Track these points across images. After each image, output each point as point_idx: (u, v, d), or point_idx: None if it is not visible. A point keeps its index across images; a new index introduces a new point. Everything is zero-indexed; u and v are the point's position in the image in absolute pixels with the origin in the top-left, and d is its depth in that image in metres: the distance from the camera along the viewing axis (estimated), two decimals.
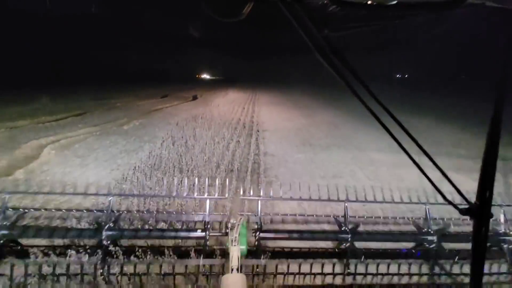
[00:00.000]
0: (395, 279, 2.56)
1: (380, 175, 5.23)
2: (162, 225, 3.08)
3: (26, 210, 2.79)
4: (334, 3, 1.24)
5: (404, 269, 2.59)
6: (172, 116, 10.32)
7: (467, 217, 1.19)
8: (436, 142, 7.97)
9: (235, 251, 1.96)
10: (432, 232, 2.80)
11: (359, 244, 2.73)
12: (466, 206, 1.16)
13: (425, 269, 2.67)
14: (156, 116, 10.47)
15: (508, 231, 2.87)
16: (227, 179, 3.62)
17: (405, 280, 2.57)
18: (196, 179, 3.42)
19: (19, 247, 2.58)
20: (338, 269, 2.57)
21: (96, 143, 6.39)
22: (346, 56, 1.10)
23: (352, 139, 8.09)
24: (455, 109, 16.97)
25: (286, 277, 2.45)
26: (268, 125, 9.39)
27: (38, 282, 2.28)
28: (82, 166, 4.96)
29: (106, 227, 2.55)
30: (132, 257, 2.52)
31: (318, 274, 2.47)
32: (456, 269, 2.64)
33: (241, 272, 1.87)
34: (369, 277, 2.54)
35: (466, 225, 3.22)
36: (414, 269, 2.62)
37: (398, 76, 63.11)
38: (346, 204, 2.92)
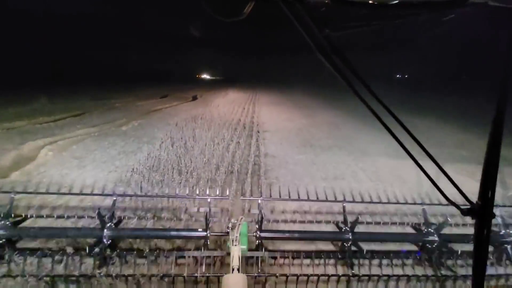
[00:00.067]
0: (396, 280, 2.55)
1: (382, 176, 5.14)
2: (162, 224, 3.10)
3: (13, 196, 2.76)
4: (335, 2, 1.26)
5: (405, 269, 2.61)
6: (172, 116, 10.23)
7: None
8: (438, 142, 7.88)
9: (236, 251, 1.99)
10: (433, 232, 2.82)
11: (360, 245, 2.74)
12: (468, 207, 1.18)
13: (426, 269, 2.67)
14: (156, 116, 10.38)
15: (509, 231, 2.86)
16: (228, 181, 3.56)
17: (406, 280, 2.56)
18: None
19: (19, 247, 2.61)
20: (338, 269, 2.59)
21: (94, 144, 6.31)
22: (347, 55, 1.11)
23: (353, 139, 7.99)
24: (456, 109, 16.89)
25: (286, 277, 2.44)
26: (269, 126, 9.30)
27: (38, 282, 2.28)
28: (79, 167, 4.87)
29: (107, 226, 2.59)
30: (132, 257, 2.53)
31: (319, 274, 2.46)
32: (457, 270, 2.65)
33: (241, 272, 1.88)
34: (370, 277, 2.53)
35: (468, 225, 3.20)
36: (415, 269, 2.64)
37: (398, 76, 63.04)
38: (344, 205, 3.00)
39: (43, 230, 2.65)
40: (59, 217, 2.93)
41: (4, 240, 2.53)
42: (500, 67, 1.07)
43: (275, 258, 2.64)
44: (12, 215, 2.67)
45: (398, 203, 3.14)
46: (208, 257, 2.53)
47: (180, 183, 4.29)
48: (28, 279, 2.26)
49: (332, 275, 2.49)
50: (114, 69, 38.02)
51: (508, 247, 2.81)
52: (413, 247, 2.99)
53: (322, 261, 2.68)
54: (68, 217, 2.93)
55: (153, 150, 5.87)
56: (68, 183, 4.10)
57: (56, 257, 2.48)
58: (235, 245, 2.05)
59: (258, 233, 2.67)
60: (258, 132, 8.12)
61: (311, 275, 2.45)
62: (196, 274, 2.39)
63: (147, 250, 2.62)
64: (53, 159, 5.20)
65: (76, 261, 2.47)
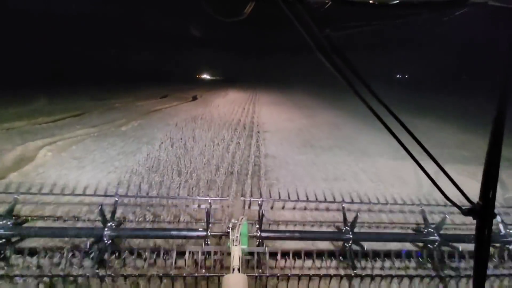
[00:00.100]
0: (397, 279, 2.55)
1: (383, 177, 5.11)
2: (163, 224, 3.11)
3: (17, 196, 2.80)
4: (336, 2, 1.27)
5: (405, 269, 2.62)
6: (172, 117, 10.20)
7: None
8: (439, 143, 7.85)
9: (236, 251, 1.99)
10: (433, 232, 2.82)
11: (360, 245, 2.75)
12: (469, 207, 1.18)
13: (427, 269, 2.67)
14: (155, 117, 10.35)
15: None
16: (228, 182, 3.55)
17: (407, 280, 2.55)
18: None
19: (20, 247, 2.60)
20: (339, 269, 2.60)
21: (93, 144, 6.28)
22: (347, 55, 1.11)
23: (353, 140, 7.96)
24: (456, 109, 16.85)
25: (287, 277, 2.45)
26: (269, 126, 9.27)
27: (38, 282, 2.28)
28: (78, 168, 4.84)
29: (107, 226, 2.59)
30: (132, 257, 2.54)
31: (320, 274, 2.46)
32: (458, 270, 2.62)
33: (242, 272, 1.88)
34: (371, 277, 2.52)
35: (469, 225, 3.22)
36: (416, 269, 2.64)
37: (398, 76, 62.99)
38: (343, 205, 2.99)
39: (44, 229, 2.66)
40: (59, 217, 2.95)
41: (4, 239, 2.53)
42: (501, 67, 1.06)
43: (275, 257, 2.60)
44: (13, 215, 2.69)
45: (398, 203, 3.14)
46: (208, 257, 2.51)
47: (180, 184, 4.26)
48: (28, 278, 2.26)
49: (334, 275, 2.47)
50: (114, 69, 37.98)
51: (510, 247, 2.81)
52: (414, 247, 2.99)
53: (323, 261, 2.69)
54: (69, 218, 2.96)
55: (153, 150, 5.84)
56: (67, 184, 4.05)
57: (56, 257, 2.49)
58: (236, 245, 2.04)
59: (259, 233, 2.66)
60: (258, 132, 8.09)
61: (313, 275, 2.43)
62: (196, 274, 2.38)
63: (147, 250, 2.60)
64: (52, 160, 5.17)
65: (76, 261, 2.47)
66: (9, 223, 2.59)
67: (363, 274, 2.51)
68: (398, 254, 2.78)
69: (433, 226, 2.89)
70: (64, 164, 4.98)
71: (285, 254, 2.60)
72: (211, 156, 5.53)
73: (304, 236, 2.88)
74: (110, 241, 2.57)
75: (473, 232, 1.24)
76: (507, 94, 1.09)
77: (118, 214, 3.15)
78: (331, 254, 2.75)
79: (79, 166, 4.93)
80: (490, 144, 1.12)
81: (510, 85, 1.11)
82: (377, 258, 2.74)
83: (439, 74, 45.88)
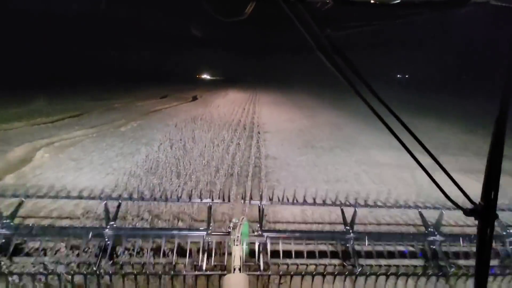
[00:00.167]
0: (398, 279, 2.51)
1: (386, 179, 5.03)
2: (163, 224, 3.12)
3: (23, 199, 2.84)
4: (336, 2, 1.26)
5: (407, 269, 2.59)
6: (171, 117, 10.12)
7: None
8: (441, 144, 7.77)
9: (237, 251, 1.98)
10: (435, 232, 2.82)
11: (361, 245, 2.75)
12: (471, 207, 1.18)
13: (428, 269, 2.65)
14: (155, 117, 10.28)
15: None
16: (228, 184, 3.52)
17: (408, 280, 2.53)
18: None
19: (20, 246, 2.62)
20: (341, 269, 2.60)
21: (92, 145, 6.20)
22: (348, 55, 1.11)
23: (355, 140, 7.88)
24: (457, 109, 16.76)
25: (288, 277, 2.42)
26: (269, 127, 9.19)
27: (39, 281, 2.29)
28: (76, 170, 4.77)
29: (108, 226, 2.61)
30: (133, 257, 2.56)
31: (321, 274, 2.42)
32: (460, 270, 2.59)
33: (243, 272, 1.87)
34: (371, 277, 2.50)
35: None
36: (417, 269, 2.62)
37: (398, 76, 62.91)
38: (342, 208, 2.98)
39: (45, 229, 2.66)
40: (60, 217, 3.00)
41: (6, 239, 2.54)
42: (503, 67, 1.05)
43: (276, 257, 2.61)
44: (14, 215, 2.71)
45: (398, 204, 3.10)
46: (209, 256, 2.51)
47: (179, 186, 4.19)
48: (29, 277, 2.27)
49: (338, 274, 2.43)
50: (114, 69, 37.94)
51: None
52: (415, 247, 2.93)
53: (323, 260, 2.68)
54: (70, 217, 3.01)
55: (152, 152, 5.76)
56: (64, 186, 3.98)
57: (57, 256, 2.53)
58: (237, 245, 2.03)
59: (260, 232, 2.65)
60: (259, 133, 8.02)
61: (316, 274, 2.40)
62: (197, 274, 2.37)
63: (148, 250, 2.61)
64: (49, 161, 5.10)
65: (77, 260, 2.49)
66: (11, 223, 2.61)
67: (367, 273, 2.49)
68: (399, 254, 2.78)
69: (433, 225, 2.90)
70: (61, 165, 4.91)
71: (287, 254, 2.58)
72: (211, 157, 5.45)
73: (305, 236, 2.85)
74: (111, 240, 2.58)
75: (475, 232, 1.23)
76: (509, 94, 1.08)
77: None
78: (332, 254, 2.75)
79: (77, 167, 4.85)
80: (492, 144, 1.11)
81: None
82: (378, 257, 2.73)
83: (439, 74, 45.80)
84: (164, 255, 2.58)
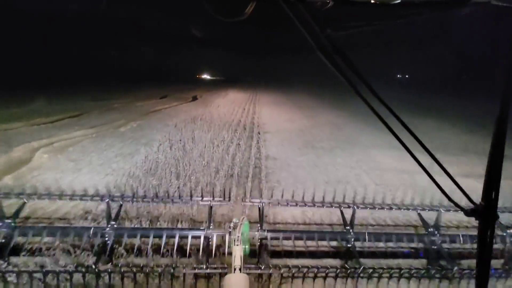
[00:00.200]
0: (399, 280, 2.52)
1: (387, 180, 5.00)
2: (164, 224, 3.12)
3: (25, 201, 2.83)
4: (337, 2, 1.25)
5: (407, 269, 2.53)
6: (171, 117, 10.09)
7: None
8: (442, 144, 7.72)
9: (238, 251, 1.97)
10: (436, 232, 2.81)
11: (362, 244, 2.75)
12: (472, 208, 1.16)
13: (429, 269, 2.60)
14: (155, 117, 10.25)
15: None
16: (228, 185, 3.52)
17: (408, 281, 2.53)
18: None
19: (21, 246, 2.62)
20: (341, 269, 2.52)
21: (91, 146, 6.17)
22: (348, 55, 1.10)
23: (355, 141, 7.85)
24: (459, 110, 16.72)
25: (288, 277, 2.42)
26: (269, 127, 9.16)
27: (39, 281, 2.28)
28: (74, 171, 4.73)
29: (109, 225, 2.61)
30: (133, 256, 2.57)
31: (321, 274, 2.44)
32: (460, 270, 2.57)
33: (243, 272, 1.87)
34: (373, 277, 2.50)
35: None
36: (418, 269, 2.56)
37: (398, 76, 62.86)
38: (341, 209, 2.94)
39: (47, 228, 2.65)
40: (61, 218, 3.03)
41: (8, 238, 2.54)
42: (503, 67, 1.04)
43: (276, 257, 2.62)
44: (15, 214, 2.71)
45: (401, 208, 3.06)
46: (210, 256, 2.51)
47: (178, 187, 4.15)
48: (30, 275, 2.26)
49: (332, 274, 2.43)
50: (114, 69, 37.92)
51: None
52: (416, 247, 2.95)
53: (323, 260, 2.67)
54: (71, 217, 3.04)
55: (151, 152, 5.73)
56: (62, 188, 3.95)
57: (58, 255, 2.53)
58: (237, 245, 2.02)
59: (260, 232, 2.64)
60: (259, 133, 7.98)
61: (317, 272, 2.40)
62: (197, 274, 2.37)
63: (148, 249, 2.60)
64: (48, 162, 5.07)
65: (78, 259, 2.50)
66: (12, 223, 2.61)
67: (368, 273, 2.48)
68: (400, 254, 2.78)
69: (434, 226, 2.89)
70: (60, 166, 4.88)
71: (287, 254, 2.59)
72: (211, 158, 5.41)
73: (305, 236, 2.84)
74: (112, 239, 2.58)
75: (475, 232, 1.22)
76: (509, 94, 1.07)
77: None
78: (333, 254, 2.74)
79: (76, 168, 4.82)
80: (492, 144, 1.10)
81: None
82: (379, 257, 2.73)
83: (439, 74, 45.75)
84: (164, 255, 2.58)
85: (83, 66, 36.15)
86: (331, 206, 2.96)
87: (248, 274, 1.92)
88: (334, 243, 2.91)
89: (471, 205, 1.19)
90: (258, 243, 2.64)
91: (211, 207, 2.79)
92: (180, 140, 6.62)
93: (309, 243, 2.90)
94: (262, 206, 2.83)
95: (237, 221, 2.24)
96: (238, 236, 2.07)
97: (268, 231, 2.73)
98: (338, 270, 2.45)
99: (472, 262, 2.71)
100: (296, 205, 2.92)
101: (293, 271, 2.40)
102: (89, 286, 2.30)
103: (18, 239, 2.60)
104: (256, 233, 2.64)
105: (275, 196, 3.23)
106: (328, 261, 2.72)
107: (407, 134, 1.17)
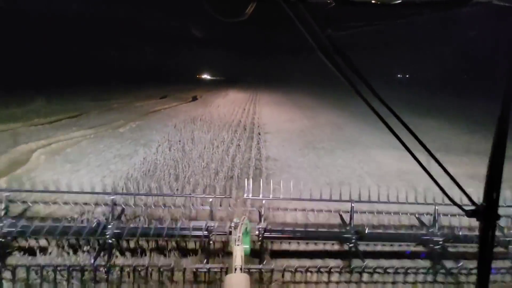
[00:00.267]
0: (400, 280, 2.52)
1: (390, 181, 4.92)
2: (165, 223, 3.04)
3: (30, 204, 2.91)
4: (337, 2, 1.25)
5: (409, 270, 2.54)
6: (170, 118, 10.03)
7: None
8: (444, 145, 7.65)
9: (239, 251, 1.97)
10: (437, 232, 2.80)
11: (363, 244, 2.75)
12: (473, 208, 1.17)
13: (430, 270, 2.62)
14: (154, 117, 10.19)
15: None
16: (227, 187, 3.52)
17: (409, 281, 2.53)
18: None
19: (22, 245, 2.65)
20: (342, 269, 2.55)
21: (89, 147, 6.11)
22: (348, 55, 1.11)
23: (357, 141, 7.78)
24: (459, 110, 16.64)
25: (289, 277, 2.44)
26: (270, 127, 9.09)
27: (40, 280, 2.30)
28: (72, 172, 4.67)
29: (110, 225, 2.61)
30: (134, 255, 2.59)
31: (322, 274, 2.45)
32: (462, 271, 2.58)
33: (244, 271, 1.86)
34: (373, 278, 2.51)
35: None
36: (419, 270, 2.57)
37: (399, 76, 62.79)
38: (353, 205, 2.94)
39: (47, 227, 2.64)
40: (62, 216, 2.97)
41: (7, 236, 2.54)
42: (504, 67, 1.04)
43: (277, 257, 2.64)
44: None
45: (402, 202, 3.12)
46: (211, 256, 2.54)
47: (177, 189, 4.07)
48: (31, 276, 2.28)
49: (333, 274, 2.44)
50: (114, 69, 37.86)
51: None
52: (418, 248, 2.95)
53: (325, 260, 2.69)
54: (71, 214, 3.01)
55: (150, 153, 5.66)
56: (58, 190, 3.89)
57: (59, 255, 2.56)
58: (238, 245, 2.02)
59: (261, 232, 2.64)
60: (259, 134, 7.91)
61: (313, 274, 2.43)
62: (198, 273, 2.39)
63: (149, 248, 2.64)
64: (45, 163, 5.00)
65: (78, 258, 2.52)
66: (11, 220, 2.60)
67: (362, 273, 2.50)
68: (401, 255, 2.79)
69: (438, 227, 2.89)
70: (57, 168, 4.81)
71: (287, 253, 2.63)
72: (210, 159, 5.34)
73: (306, 235, 2.85)
74: (112, 238, 2.59)
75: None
76: (510, 94, 1.07)
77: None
78: (334, 254, 2.74)
79: (73, 170, 4.75)
80: (493, 144, 1.10)
81: None
82: (381, 258, 2.75)
83: (439, 74, 45.70)
84: (165, 254, 2.59)
85: (83, 66, 36.09)
86: (330, 200, 3.04)
87: (249, 274, 1.95)
88: (334, 243, 2.94)
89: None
90: (259, 243, 2.63)
91: (211, 211, 2.78)
92: (180, 141, 6.55)
93: (310, 243, 2.95)
94: (263, 205, 2.85)
95: (238, 220, 2.24)
96: (239, 236, 2.07)
97: (269, 231, 2.72)
98: (339, 270, 2.47)
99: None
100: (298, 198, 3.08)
101: (294, 271, 2.40)
102: (89, 284, 2.31)
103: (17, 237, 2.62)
104: (257, 233, 2.63)
105: (276, 194, 3.24)
106: (330, 261, 2.71)
107: (408, 134, 1.17)
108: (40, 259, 2.50)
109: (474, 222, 3.08)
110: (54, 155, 5.41)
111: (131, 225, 2.94)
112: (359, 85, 1.13)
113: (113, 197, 2.81)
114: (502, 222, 2.94)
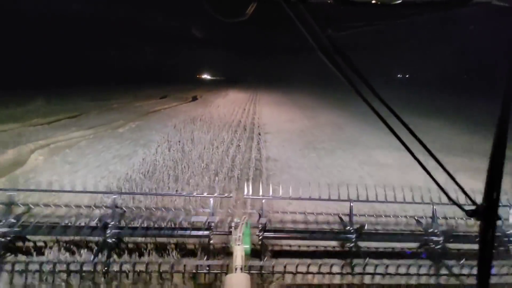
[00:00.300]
0: (401, 280, 2.50)
1: (391, 181, 4.87)
2: (166, 223, 3.06)
3: (32, 207, 2.87)
4: (338, 2, 1.27)
5: (409, 270, 2.53)
6: (170, 118, 9.99)
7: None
8: (445, 145, 7.60)
9: (239, 251, 1.97)
10: (438, 232, 2.77)
11: (364, 244, 2.73)
12: (473, 208, 1.16)
13: (431, 270, 2.60)
14: (154, 118, 10.15)
15: None
16: (227, 188, 3.48)
17: (410, 281, 2.51)
18: None
19: (23, 244, 2.65)
20: (343, 269, 2.53)
21: (88, 147, 6.07)
22: (349, 55, 1.10)
23: (357, 141, 7.74)
24: (460, 109, 16.61)
25: (290, 277, 2.43)
26: (270, 127, 9.05)
27: (40, 279, 2.29)
28: (70, 173, 4.63)
29: (110, 224, 2.59)
30: (135, 255, 2.57)
31: (323, 274, 2.43)
32: (462, 271, 2.58)
33: (245, 271, 1.86)
34: (374, 278, 2.49)
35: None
36: (420, 270, 2.55)
37: (399, 75, 62.80)
38: (352, 204, 2.97)
39: (47, 227, 2.64)
40: (61, 216, 2.95)
41: (7, 237, 2.53)
42: (504, 67, 1.01)
43: (278, 257, 2.61)
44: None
45: (402, 202, 3.13)
46: (211, 256, 2.53)
47: (176, 190, 4.04)
48: (32, 276, 2.28)
49: (334, 274, 2.44)
50: (114, 69, 37.85)
51: None
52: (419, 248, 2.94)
53: (325, 260, 2.63)
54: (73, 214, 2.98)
55: (149, 154, 5.62)
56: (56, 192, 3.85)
57: (59, 254, 2.55)
58: (238, 245, 2.02)
59: (261, 232, 2.62)
60: (259, 134, 7.87)
61: (314, 274, 2.41)
62: (199, 273, 2.38)
63: (150, 249, 2.62)
64: (43, 164, 4.96)
65: (79, 258, 2.50)
66: (11, 220, 2.58)
67: (362, 273, 2.49)
68: (402, 255, 2.77)
69: (439, 227, 2.85)
70: (55, 168, 4.77)
71: (288, 253, 2.61)
72: (210, 160, 5.30)
73: (307, 236, 2.83)
74: (113, 239, 2.56)
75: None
76: (511, 94, 1.06)
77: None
78: (334, 254, 2.72)
79: (72, 171, 4.71)
80: (494, 144, 1.08)
81: None
82: (381, 258, 2.69)
83: (439, 74, 45.67)
84: (165, 254, 2.58)
85: (83, 66, 36.07)
86: (329, 200, 3.06)
87: (249, 273, 1.95)
88: (335, 243, 2.95)
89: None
90: (260, 243, 2.62)
91: (212, 214, 2.74)
92: (179, 142, 6.52)
93: (311, 243, 2.95)
94: (265, 214, 2.80)
95: (239, 220, 2.24)
96: (240, 236, 2.07)
97: (269, 230, 2.71)
98: (339, 270, 2.45)
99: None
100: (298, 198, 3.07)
101: (295, 271, 2.39)
102: (88, 284, 2.30)
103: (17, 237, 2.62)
104: (257, 232, 2.61)
105: (277, 201, 3.20)
106: (330, 261, 2.65)
107: (408, 134, 1.16)
108: (40, 259, 2.47)
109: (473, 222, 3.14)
110: (52, 156, 5.37)
111: (131, 225, 2.93)
112: (359, 85, 1.12)
113: (115, 196, 2.82)
114: None
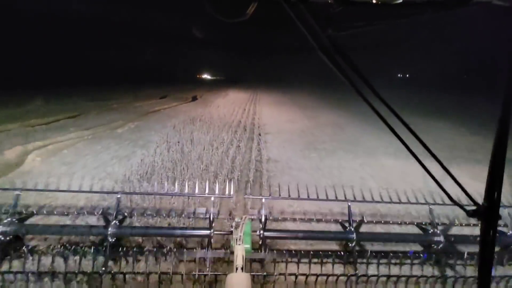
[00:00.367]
0: (402, 280, 2.52)
1: (394, 183, 4.82)
2: (166, 223, 3.14)
3: (35, 212, 2.91)
4: (338, 2, 1.25)
5: (410, 270, 2.57)
6: (170, 118, 9.94)
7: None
8: (447, 146, 7.55)
9: (240, 250, 1.98)
10: (439, 233, 2.80)
11: (365, 245, 2.79)
12: (474, 208, 1.16)
13: (432, 270, 2.65)
14: (153, 118, 10.09)
15: None
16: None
17: (411, 281, 2.53)
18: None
19: (24, 244, 2.64)
20: (344, 269, 2.58)
21: (86, 148, 6.02)
22: (349, 55, 1.11)
23: (359, 142, 7.68)
24: (460, 109, 16.55)
25: (290, 276, 2.45)
26: (270, 128, 9.00)
27: (41, 279, 2.30)
28: (67, 175, 4.56)
29: (111, 224, 2.60)
30: (136, 255, 2.57)
31: (323, 274, 2.45)
32: (463, 271, 2.62)
33: (245, 271, 1.88)
34: (375, 278, 2.50)
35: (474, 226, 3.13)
36: (421, 270, 2.59)
37: (399, 75, 62.75)
38: (349, 204, 2.96)
39: (48, 227, 2.70)
40: (62, 215, 3.03)
41: (10, 237, 2.55)
42: (505, 67, 1.04)
43: (278, 257, 2.62)
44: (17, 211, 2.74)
45: (403, 202, 3.14)
46: (212, 256, 2.55)
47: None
48: (32, 275, 2.29)
49: (334, 274, 2.45)
50: (113, 69, 37.81)
51: None
52: (419, 248, 2.92)
53: (326, 260, 2.67)
54: (72, 215, 3.05)
55: (148, 155, 5.56)
56: (52, 194, 3.80)
57: (60, 254, 2.54)
58: (239, 244, 2.04)
59: (262, 232, 2.64)
60: (260, 134, 7.82)
61: (314, 274, 2.43)
62: (199, 273, 2.40)
63: (150, 249, 2.63)
64: (40, 166, 4.90)
65: (80, 259, 2.49)
66: (14, 220, 2.59)
67: (369, 274, 2.50)
68: (403, 255, 2.76)
69: (440, 227, 2.87)
70: (52, 170, 4.71)
71: (288, 253, 2.58)
72: (209, 161, 5.25)
73: (307, 236, 2.85)
74: (113, 239, 2.57)
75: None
76: (511, 94, 1.06)
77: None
78: (335, 254, 2.71)
79: (69, 172, 4.65)
80: (495, 145, 1.10)
81: None
82: (382, 258, 2.71)
83: (439, 73, 45.62)
84: (166, 254, 2.58)
85: (83, 66, 36.03)
86: (326, 200, 3.11)
87: (250, 273, 1.95)
88: (336, 243, 2.96)
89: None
90: (260, 243, 2.63)
91: (212, 208, 2.76)
92: (178, 142, 6.46)
93: (311, 243, 2.97)
94: (266, 214, 2.80)
95: (240, 220, 2.25)
96: (240, 236, 2.08)
97: (270, 230, 2.72)
98: (340, 271, 2.49)
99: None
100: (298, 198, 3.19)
101: (295, 272, 2.42)
102: (89, 285, 2.31)
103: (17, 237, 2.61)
104: (258, 232, 2.62)
105: (277, 203, 3.13)
106: (331, 260, 2.68)
107: (409, 134, 1.18)
108: (39, 259, 2.47)
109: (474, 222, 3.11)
110: (50, 157, 5.32)
111: (133, 225, 2.98)
112: (359, 85, 1.12)
113: (119, 195, 2.83)
114: None
